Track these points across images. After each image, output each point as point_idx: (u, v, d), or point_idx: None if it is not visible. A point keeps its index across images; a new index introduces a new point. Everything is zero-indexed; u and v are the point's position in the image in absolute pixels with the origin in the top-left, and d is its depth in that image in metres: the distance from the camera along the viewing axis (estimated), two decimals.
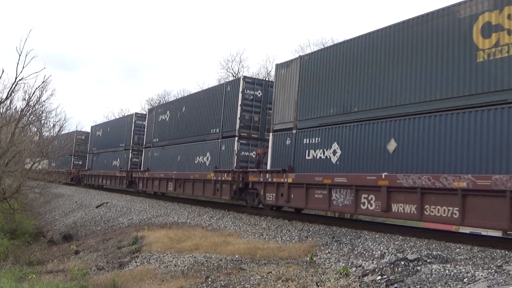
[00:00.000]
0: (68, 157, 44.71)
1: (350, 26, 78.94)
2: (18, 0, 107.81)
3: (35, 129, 38.16)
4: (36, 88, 27.75)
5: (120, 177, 32.86)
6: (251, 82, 19.90)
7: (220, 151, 20.41)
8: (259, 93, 19.64)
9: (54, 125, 40.17)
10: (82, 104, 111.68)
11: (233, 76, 46.90)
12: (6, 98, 26.89)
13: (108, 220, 23.73)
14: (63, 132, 42.51)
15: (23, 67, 26.08)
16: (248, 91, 19.44)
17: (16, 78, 25.53)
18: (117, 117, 62.66)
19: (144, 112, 36.60)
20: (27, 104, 27.98)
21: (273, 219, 16.71)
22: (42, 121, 36.92)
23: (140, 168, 30.01)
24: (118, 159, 34.92)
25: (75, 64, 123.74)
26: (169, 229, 17.32)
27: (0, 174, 24.64)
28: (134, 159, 32.07)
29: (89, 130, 46.16)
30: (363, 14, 79.77)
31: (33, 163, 27.68)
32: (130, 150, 32.80)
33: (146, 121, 30.52)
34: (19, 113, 28.16)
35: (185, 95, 37.81)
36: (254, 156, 19.03)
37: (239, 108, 19.31)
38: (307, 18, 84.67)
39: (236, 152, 19.14)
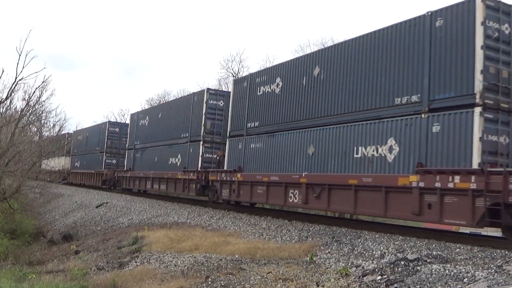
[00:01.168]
0: (97, 155, 38.18)
1: (350, 26, 78.96)
2: (18, 0, 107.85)
3: (35, 129, 38.22)
4: (36, 88, 27.82)
5: (186, 181, 23.01)
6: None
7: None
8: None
9: (54, 125, 40.25)
10: (82, 104, 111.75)
11: (233, 76, 46.92)
12: (6, 98, 26.95)
13: (108, 220, 23.73)
14: (74, 130, 43.23)
15: (23, 67, 26.14)
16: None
17: (16, 78, 25.60)
18: (118, 117, 62.54)
19: (219, 88, 37.38)
20: (27, 104, 28.04)
21: (273, 219, 16.72)
22: (42, 121, 37.02)
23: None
24: (179, 155, 24.53)
25: (74, 64, 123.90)
26: (169, 229, 17.32)
27: (0, 174, 24.63)
28: (207, 155, 22.52)
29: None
30: (363, 14, 79.82)
31: (33, 162, 27.63)
32: (201, 142, 22.19)
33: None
34: (19, 113, 28.20)
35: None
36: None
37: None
38: (307, 18, 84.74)
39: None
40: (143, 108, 41.82)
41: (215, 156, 21.94)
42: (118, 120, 58.57)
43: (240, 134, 19.26)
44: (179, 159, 24.13)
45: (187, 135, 23.66)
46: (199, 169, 21.67)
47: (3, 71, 34.54)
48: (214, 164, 21.87)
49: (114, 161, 36.40)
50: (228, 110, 20.51)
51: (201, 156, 22.04)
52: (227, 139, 20.19)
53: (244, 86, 19.66)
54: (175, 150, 24.70)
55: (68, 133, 49.59)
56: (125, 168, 32.31)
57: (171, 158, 25.02)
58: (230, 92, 21.79)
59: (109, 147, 36.66)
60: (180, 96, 45.73)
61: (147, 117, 29.95)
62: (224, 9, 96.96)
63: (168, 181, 24.89)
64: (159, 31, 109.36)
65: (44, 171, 41.35)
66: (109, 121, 42.45)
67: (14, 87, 26.20)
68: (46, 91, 38.16)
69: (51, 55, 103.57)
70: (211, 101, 22.35)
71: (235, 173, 18.64)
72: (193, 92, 24.79)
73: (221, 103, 22.49)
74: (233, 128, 19.95)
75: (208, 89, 23.04)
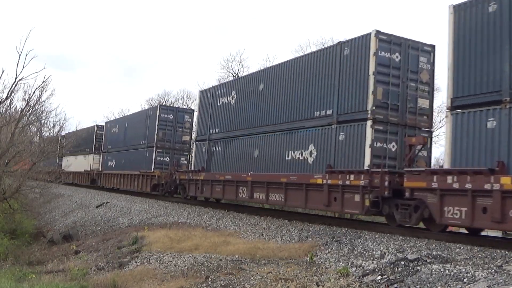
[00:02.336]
0: (143, 151, 29.58)
1: (350, 26, 79.01)
2: (17, 0, 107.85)
3: (35, 129, 38.18)
4: (36, 88, 27.70)
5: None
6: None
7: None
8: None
9: (54, 125, 40.20)
10: (82, 104, 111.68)
11: (233, 76, 46.92)
12: (6, 98, 26.88)
13: (108, 220, 23.73)
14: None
15: (23, 67, 25.99)
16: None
17: (16, 78, 25.50)
18: (118, 117, 62.65)
19: None
20: (27, 104, 27.97)
21: (273, 219, 16.73)
22: (42, 121, 36.96)
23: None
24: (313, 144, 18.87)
25: (74, 64, 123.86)
26: (169, 229, 17.32)
27: (0, 174, 24.61)
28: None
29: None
30: (363, 14, 79.83)
31: (33, 162, 27.60)
32: (335, 124, 15.68)
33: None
34: (19, 113, 28.13)
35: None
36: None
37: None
38: (307, 18, 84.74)
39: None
40: (143, 108, 42.02)
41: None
42: None
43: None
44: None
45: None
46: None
47: (3, 71, 34.42)
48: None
49: (167, 159, 28.15)
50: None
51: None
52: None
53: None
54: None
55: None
56: (192, 168, 23.79)
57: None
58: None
59: (161, 140, 28.15)
60: (179, 95, 46.17)
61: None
62: (224, 9, 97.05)
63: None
64: (159, 31, 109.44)
65: (65, 172, 41.36)
66: (160, 105, 34.92)
67: (14, 87, 26.16)
68: (46, 91, 37.91)
69: (51, 55, 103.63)
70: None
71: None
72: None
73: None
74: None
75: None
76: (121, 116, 54.24)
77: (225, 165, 20.22)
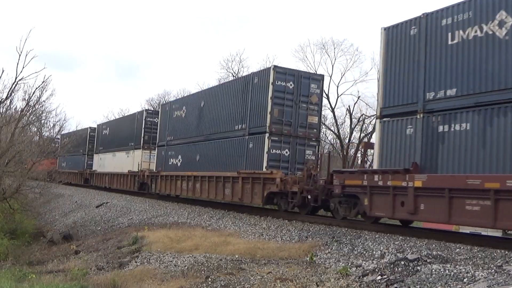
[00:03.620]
0: (241, 139, 19.62)
1: (350, 26, 79.02)
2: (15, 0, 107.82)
3: (35, 129, 38.16)
4: (36, 88, 27.68)
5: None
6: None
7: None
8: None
9: (54, 125, 40.16)
10: (82, 104, 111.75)
11: (233, 76, 46.92)
12: (6, 98, 26.89)
13: (108, 220, 23.74)
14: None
15: (23, 67, 25.97)
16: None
17: (16, 78, 25.51)
18: (118, 117, 62.51)
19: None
20: (27, 104, 27.95)
21: (273, 219, 16.73)
22: (42, 121, 36.92)
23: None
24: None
25: (74, 64, 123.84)
26: (169, 229, 17.32)
27: (0, 174, 24.61)
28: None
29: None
30: (363, 14, 79.82)
31: (33, 162, 27.56)
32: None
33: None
34: (19, 113, 28.12)
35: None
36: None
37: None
38: (307, 18, 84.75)
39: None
40: (143, 108, 42.13)
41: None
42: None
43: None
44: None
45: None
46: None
47: (3, 71, 34.39)
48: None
49: (286, 152, 18.97)
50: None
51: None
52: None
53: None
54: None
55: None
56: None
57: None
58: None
59: (277, 121, 18.14)
60: (180, 95, 46.17)
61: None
62: (224, 9, 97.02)
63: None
64: (159, 31, 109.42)
65: (98, 174, 38.66)
66: (275, 66, 20.04)
67: (14, 87, 26.16)
68: (46, 91, 37.84)
69: (52, 56, 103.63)
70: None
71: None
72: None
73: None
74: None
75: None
76: (113, 118, 54.75)
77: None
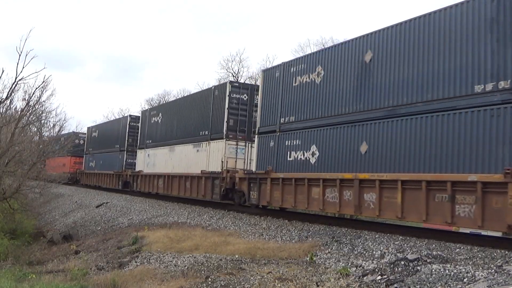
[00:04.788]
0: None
1: (350, 26, 78.98)
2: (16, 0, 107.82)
3: (35, 129, 38.15)
4: (36, 88, 27.72)
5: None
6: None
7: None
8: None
9: (54, 125, 40.17)
10: (82, 104, 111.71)
11: (233, 76, 46.96)
12: (6, 98, 26.87)
13: (108, 220, 23.74)
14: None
15: (23, 67, 26.02)
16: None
17: (16, 78, 25.50)
18: (118, 117, 62.40)
19: None
20: (27, 104, 27.96)
21: (273, 219, 16.73)
22: (42, 121, 36.91)
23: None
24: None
25: (74, 64, 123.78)
26: (169, 229, 17.32)
27: (0, 174, 24.61)
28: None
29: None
30: (363, 14, 79.81)
31: (33, 162, 27.52)
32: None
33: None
34: (19, 113, 28.12)
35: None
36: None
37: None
38: (307, 18, 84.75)
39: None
40: (143, 108, 42.14)
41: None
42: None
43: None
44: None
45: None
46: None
47: (3, 71, 34.44)
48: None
49: None
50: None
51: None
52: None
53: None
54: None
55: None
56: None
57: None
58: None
59: None
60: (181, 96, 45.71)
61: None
62: (224, 9, 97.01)
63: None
64: (159, 31, 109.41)
65: (145, 176, 28.28)
66: None
67: (14, 87, 26.14)
68: (46, 91, 37.91)
69: (51, 55, 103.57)
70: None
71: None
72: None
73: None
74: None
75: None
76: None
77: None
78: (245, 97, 20.97)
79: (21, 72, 29.73)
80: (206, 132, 22.08)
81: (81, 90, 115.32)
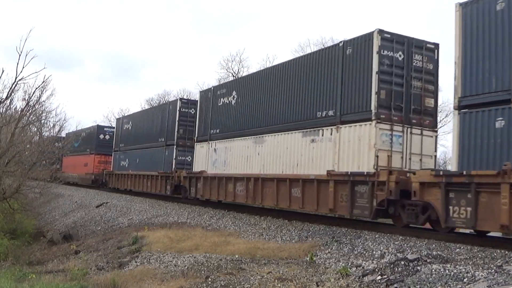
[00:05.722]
0: None
1: (350, 26, 78.94)
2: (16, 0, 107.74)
3: (35, 129, 38.12)
4: (36, 88, 27.67)
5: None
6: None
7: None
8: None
9: (54, 125, 40.14)
10: (82, 104, 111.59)
11: (233, 76, 46.91)
12: (6, 98, 26.84)
13: (108, 220, 23.73)
14: None
15: (23, 67, 25.94)
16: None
17: (16, 78, 25.46)
18: (118, 117, 62.14)
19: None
20: (27, 104, 27.93)
21: (273, 219, 16.73)
22: (42, 121, 36.88)
23: None
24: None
25: (74, 64, 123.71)
26: (169, 229, 17.33)
27: (0, 174, 24.61)
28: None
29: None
30: (363, 14, 79.76)
31: (33, 162, 27.54)
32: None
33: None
34: (19, 113, 28.10)
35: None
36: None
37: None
38: (307, 18, 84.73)
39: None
40: (143, 108, 41.84)
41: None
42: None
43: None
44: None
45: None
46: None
47: (3, 71, 34.36)
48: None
49: None
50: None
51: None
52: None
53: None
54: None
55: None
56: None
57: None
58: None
59: None
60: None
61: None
62: (224, 9, 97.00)
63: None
64: (159, 31, 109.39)
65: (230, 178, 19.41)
66: None
67: (14, 87, 26.10)
68: (46, 91, 37.80)
69: (51, 55, 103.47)
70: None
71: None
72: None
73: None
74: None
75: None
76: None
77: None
78: (400, 55, 13.21)
79: (21, 72, 29.59)
80: (332, 112, 14.33)
81: (81, 90, 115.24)
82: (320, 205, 14.36)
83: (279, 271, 10.06)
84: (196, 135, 22.87)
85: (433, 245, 10.40)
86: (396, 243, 11.11)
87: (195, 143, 22.87)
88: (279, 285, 9.20)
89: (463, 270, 8.19)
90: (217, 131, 21.02)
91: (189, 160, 24.53)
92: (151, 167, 27.34)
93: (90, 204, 30.07)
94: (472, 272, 8.03)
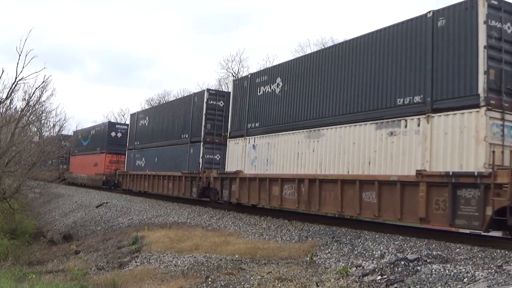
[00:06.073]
0: None
1: (350, 26, 78.92)
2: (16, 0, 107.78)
3: (35, 129, 38.14)
4: (36, 88, 27.75)
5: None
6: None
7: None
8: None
9: (54, 125, 40.14)
10: (82, 104, 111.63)
11: (233, 76, 46.91)
12: (6, 98, 26.90)
13: (108, 220, 23.73)
14: None
15: (23, 67, 26.02)
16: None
17: (16, 78, 25.51)
18: (118, 116, 62.04)
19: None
20: (27, 104, 27.99)
21: (273, 219, 16.73)
22: (42, 121, 36.88)
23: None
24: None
25: (74, 64, 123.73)
26: (169, 229, 17.33)
27: (0, 174, 24.62)
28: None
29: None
30: (363, 14, 79.75)
31: (33, 162, 27.54)
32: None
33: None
34: (19, 113, 28.14)
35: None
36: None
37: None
38: (307, 18, 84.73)
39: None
40: (143, 108, 41.58)
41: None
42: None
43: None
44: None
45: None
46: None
47: (3, 71, 34.41)
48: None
49: None
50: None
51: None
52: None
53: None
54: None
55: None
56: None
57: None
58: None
59: None
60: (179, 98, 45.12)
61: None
62: (224, 8, 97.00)
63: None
64: (158, 31, 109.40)
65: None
66: None
67: (14, 87, 26.17)
68: (46, 91, 37.80)
69: (51, 56, 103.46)
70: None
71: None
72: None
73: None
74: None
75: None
76: None
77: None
78: (509, 27, 10.73)
79: (21, 72, 29.73)
80: (418, 98, 11.70)
81: (81, 90, 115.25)
82: (404, 214, 11.55)
83: (279, 271, 10.06)
84: (228, 130, 19.84)
85: (433, 245, 10.40)
86: (396, 243, 11.12)
87: (228, 139, 19.69)
88: (279, 285, 9.20)
89: (463, 270, 8.19)
90: (257, 124, 17.86)
91: (217, 158, 21.77)
92: (173, 167, 24.46)
93: (90, 204, 30.07)
94: (472, 272, 8.03)
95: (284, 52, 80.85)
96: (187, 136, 23.58)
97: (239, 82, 20.04)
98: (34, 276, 13.65)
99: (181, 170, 23.42)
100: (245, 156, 18.22)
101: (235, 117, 19.49)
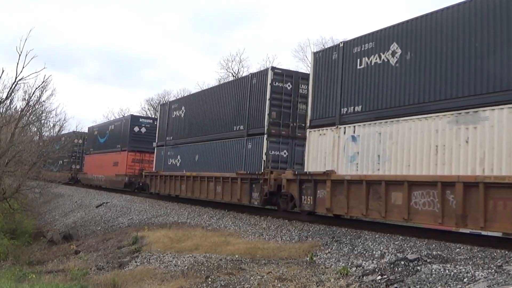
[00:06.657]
0: None
1: (350, 26, 78.94)
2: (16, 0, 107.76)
3: (35, 129, 38.17)
4: (36, 88, 27.79)
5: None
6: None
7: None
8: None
9: (54, 125, 40.13)
10: (82, 104, 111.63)
11: (233, 76, 46.94)
12: (6, 98, 26.93)
13: (108, 220, 23.74)
14: None
15: (23, 67, 26.05)
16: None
17: (16, 78, 25.55)
18: (118, 117, 61.89)
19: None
20: (27, 104, 28.03)
21: (273, 219, 16.73)
22: (42, 121, 36.89)
23: None
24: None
25: (74, 64, 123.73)
26: (169, 229, 17.33)
27: (0, 174, 24.63)
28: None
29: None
30: (363, 14, 79.77)
31: (33, 162, 27.53)
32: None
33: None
34: (19, 113, 28.17)
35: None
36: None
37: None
38: (307, 18, 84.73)
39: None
40: (143, 108, 41.33)
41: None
42: None
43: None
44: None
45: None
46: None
47: (3, 71, 34.41)
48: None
49: None
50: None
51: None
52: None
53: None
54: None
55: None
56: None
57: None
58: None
59: None
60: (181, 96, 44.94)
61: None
62: (224, 8, 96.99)
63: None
64: (158, 31, 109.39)
65: None
66: None
67: (14, 87, 26.21)
68: (46, 91, 37.79)
69: (51, 56, 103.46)
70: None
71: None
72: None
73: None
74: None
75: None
76: None
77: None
78: None
79: (21, 72, 29.74)
80: None
81: (81, 90, 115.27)
82: None
83: (279, 271, 10.06)
84: (308, 118, 15.39)
85: (433, 245, 10.40)
86: (396, 243, 11.12)
87: (308, 130, 15.31)
88: (279, 285, 9.20)
89: (463, 270, 8.19)
90: (357, 109, 13.51)
91: (284, 155, 17.74)
92: (223, 166, 19.85)
93: (90, 204, 30.08)
94: (472, 272, 8.03)
95: (284, 52, 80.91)
96: (242, 127, 19.04)
97: (323, 55, 15.25)
98: (34, 276, 13.66)
99: (235, 170, 18.74)
100: (338, 151, 13.85)
101: (319, 101, 15.05)
